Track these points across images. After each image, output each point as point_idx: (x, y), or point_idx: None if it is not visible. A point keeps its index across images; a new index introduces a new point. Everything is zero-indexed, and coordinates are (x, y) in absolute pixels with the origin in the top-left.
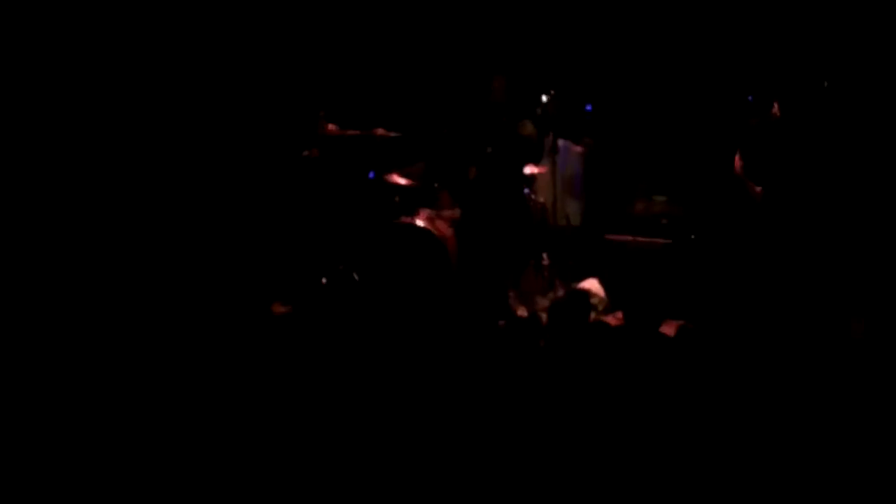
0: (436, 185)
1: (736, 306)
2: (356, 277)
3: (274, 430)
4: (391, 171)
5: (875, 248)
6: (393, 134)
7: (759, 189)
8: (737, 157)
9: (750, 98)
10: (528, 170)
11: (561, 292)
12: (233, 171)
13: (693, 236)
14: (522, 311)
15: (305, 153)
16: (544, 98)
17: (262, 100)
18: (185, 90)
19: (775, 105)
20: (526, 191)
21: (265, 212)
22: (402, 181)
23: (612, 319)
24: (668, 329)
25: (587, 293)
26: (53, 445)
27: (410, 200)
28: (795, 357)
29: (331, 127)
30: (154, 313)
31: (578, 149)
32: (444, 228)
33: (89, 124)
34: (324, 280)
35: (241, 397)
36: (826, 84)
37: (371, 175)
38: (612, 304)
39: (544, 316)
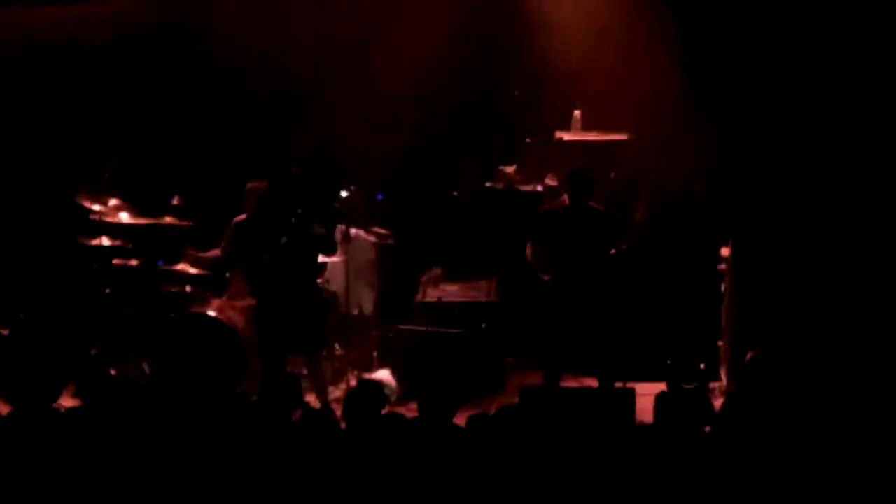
0: (228, 273)
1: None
2: (146, 369)
3: None
4: (182, 260)
5: None
6: (183, 223)
7: (547, 277)
8: (528, 246)
9: (539, 188)
10: (321, 258)
11: (353, 382)
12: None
13: (484, 325)
14: (315, 402)
15: (95, 242)
16: (344, 193)
17: (43, 183)
18: None
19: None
20: (318, 280)
21: (52, 301)
22: (192, 270)
23: (407, 411)
24: (461, 418)
25: (380, 383)
26: None
27: (202, 289)
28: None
29: (123, 214)
30: None
31: (371, 238)
32: (235, 317)
33: None
34: (113, 372)
35: None
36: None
37: (160, 263)
38: (405, 394)
39: (337, 407)
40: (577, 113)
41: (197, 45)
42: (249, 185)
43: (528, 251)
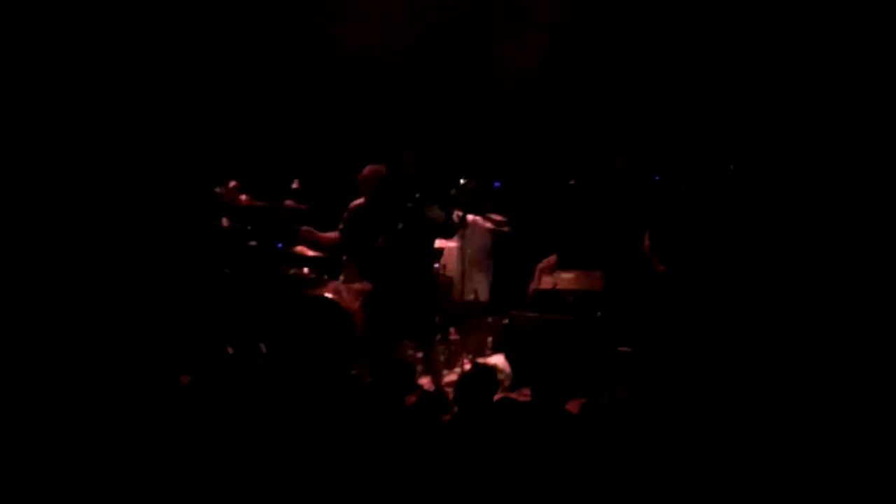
0: (344, 257)
1: (644, 380)
2: (263, 349)
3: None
4: (300, 243)
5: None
6: (302, 206)
7: (661, 268)
8: (646, 236)
9: (657, 178)
10: (437, 244)
11: (467, 367)
12: (140, 236)
13: (599, 313)
14: (429, 386)
15: (215, 222)
16: (462, 181)
17: (169, 168)
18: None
19: (682, 185)
20: (434, 265)
21: (173, 281)
22: (310, 253)
23: (519, 396)
24: (574, 406)
25: (493, 369)
26: None
27: (319, 272)
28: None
29: (242, 197)
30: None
31: (487, 224)
32: (351, 301)
33: None
34: (230, 350)
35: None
36: (732, 167)
37: (279, 246)
38: (517, 380)
39: (450, 391)
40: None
41: (315, 31)
42: (366, 170)
43: (646, 241)
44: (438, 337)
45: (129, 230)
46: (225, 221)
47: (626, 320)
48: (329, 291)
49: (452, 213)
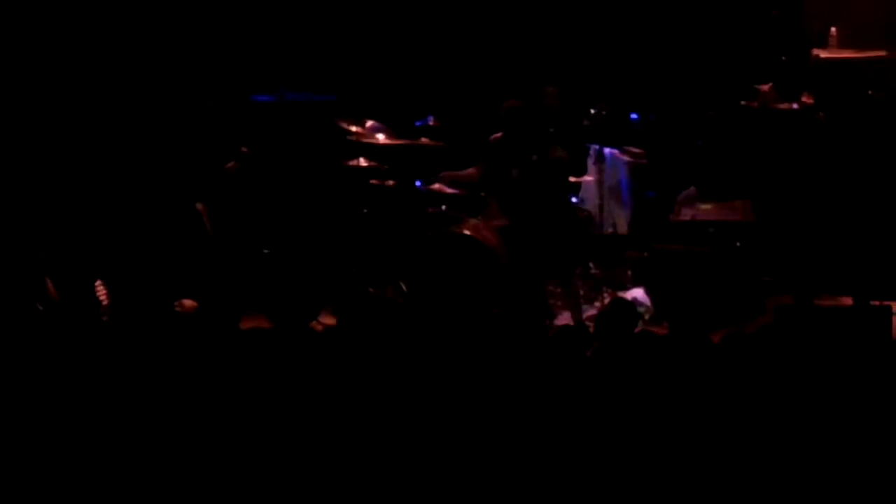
0: (483, 194)
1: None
2: (404, 288)
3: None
4: (437, 181)
5: None
6: (439, 143)
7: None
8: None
9: (795, 106)
10: (574, 178)
11: (607, 301)
12: (277, 177)
13: (739, 244)
14: (569, 320)
15: (353, 163)
16: (593, 110)
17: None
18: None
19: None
20: (573, 199)
21: (314, 222)
22: (449, 190)
23: (660, 329)
24: (716, 337)
25: (634, 303)
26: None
27: (458, 210)
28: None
29: (379, 136)
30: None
31: (625, 157)
32: (491, 237)
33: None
34: (371, 290)
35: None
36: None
37: (418, 184)
38: (659, 313)
39: (591, 325)
40: (833, 30)
41: None
42: (505, 104)
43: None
44: (578, 271)
45: (267, 173)
46: (362, 161)
47: (769, 250)
48: (468, 229)
49: (587, 147)
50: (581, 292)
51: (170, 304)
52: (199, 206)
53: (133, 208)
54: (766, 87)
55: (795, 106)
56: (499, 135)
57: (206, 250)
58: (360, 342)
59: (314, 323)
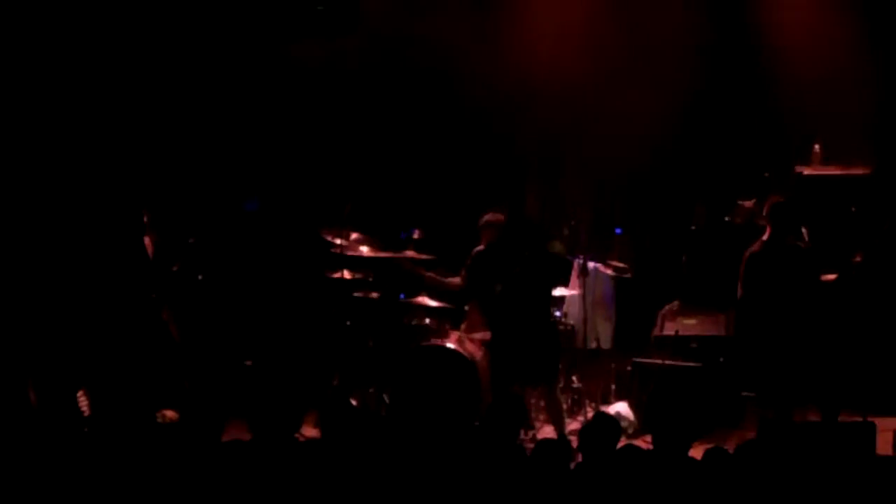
0: (467, 307)
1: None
2: (386, 399)
3: None
4: (420, 293)
5: None
6: (424, 256)
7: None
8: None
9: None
10: (559, 291)
11: (591, 415)
12: (259, 287)
13: (722, 359)
14: (552, 433)
15: (337, 274)
16: (573, 222)
17: (291, 218)
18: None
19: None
20: (556, 313)
21: (295, 332)
22: (432, 303)
23: (643, 443)
24: (698, 452)
25: (617, 416)
26: None
27: (441, 321)
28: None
29: (363, 248)
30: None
31: (609, 271)
32: (474, 349)
33: None
34: (355, 401)
35: None
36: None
37: (401, 297)
38: (642, 427)
39: (574, 438)
40: (816, 146)
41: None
42: (486, 217)
43: (739, 292)
44: (561, 384)
45: (252, 280)
46: (346, 273)
47: (751, 365)
48: (451, 341)
49: (570, 260)
50: (564, 405)
51: (151, 414)
52: (164, 314)
53: (111, 318)
54: (749, 203)
55: None
56: (481, 247)
57: (187, 360)
58: (342, 453)
59: (297, 434)
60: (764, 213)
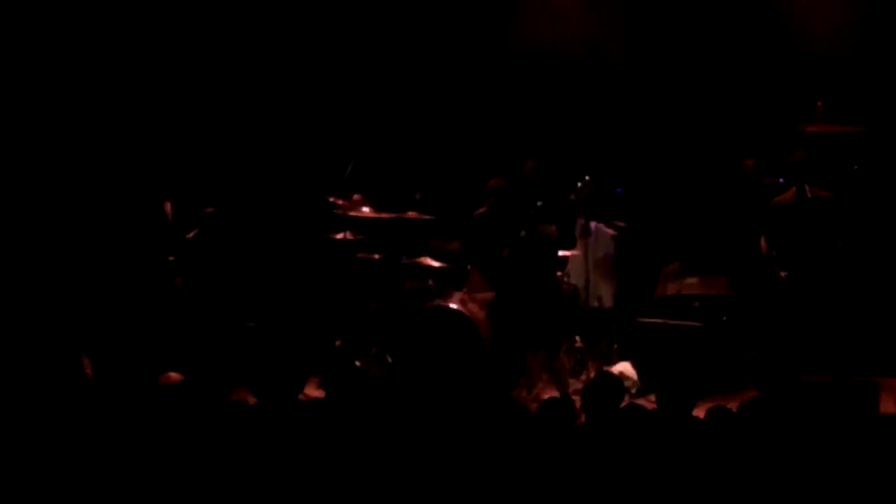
0: (469, 267)
1: (769, 384)
2: (389, 360)
3: None
4: (424, 254)
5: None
6: (426, 217)
7: (783, 273)
8: (762, 240)
9: (781, 181)
10: (561, 252)
11: (594, 375)
12: (261, 251)
13: (724, 318)
14: (555, 394)
15: (339, 236)
16: (579, 183)
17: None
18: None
19: (807, 189)
20: (558, 273)
21: (297, 295)
22: (434, 264)
23: (646, 403)
24: (701, 411)
25: (620, 376)
26: None
27: (443, 283)
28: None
29: (365, 209)
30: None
31: (611, 231)
32: (476, 311)
33: None
34: (358, 363)
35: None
36: (855, 168)
37: (403, 257)
38: (644, 387)
39: (577, 399)
40: (819, 104)
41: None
42: (493, 182)
43: (762, 246)
44: (564, 345)
45: (254, 245)
46: (348, 234)
47: (753, 325)
48: (454, 302)
49: (574, 221)
50: (567, 366)
51: (154, 377)
52: (177, 279)
53: (116, 282)
54: (751, 162)
55: (781, 180)
56: (483, 209)
57: (191, 324)
58: (345, 415)
59: (300, 396)
60: (789, 168)
